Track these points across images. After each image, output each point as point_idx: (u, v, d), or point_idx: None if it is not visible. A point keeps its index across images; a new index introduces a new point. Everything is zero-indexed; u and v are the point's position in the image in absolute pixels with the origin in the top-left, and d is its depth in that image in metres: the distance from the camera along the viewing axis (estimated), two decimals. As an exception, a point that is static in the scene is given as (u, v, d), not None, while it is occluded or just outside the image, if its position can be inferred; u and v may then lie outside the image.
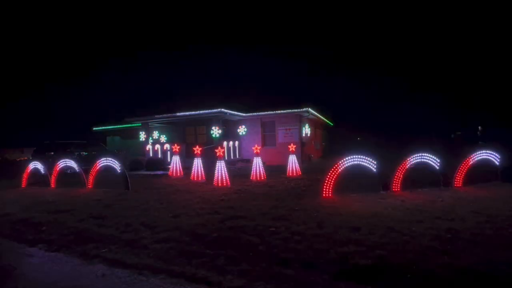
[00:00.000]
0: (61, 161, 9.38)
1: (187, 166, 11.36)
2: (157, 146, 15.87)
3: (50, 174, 9.46)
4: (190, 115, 14.99)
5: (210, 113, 14.22)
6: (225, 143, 15.00)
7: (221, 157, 8.46)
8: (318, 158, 18.23)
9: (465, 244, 3.36)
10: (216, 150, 8.66)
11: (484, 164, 7.19)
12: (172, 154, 11.32)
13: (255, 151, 9.50)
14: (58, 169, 9.35)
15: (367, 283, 2.62)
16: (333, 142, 28.00)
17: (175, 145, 11.36)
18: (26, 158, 17.94)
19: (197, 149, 9.73)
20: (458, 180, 6.76)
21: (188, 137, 17.30)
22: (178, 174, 10.92)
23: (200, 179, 9.42)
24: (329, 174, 6.32)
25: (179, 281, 2.80)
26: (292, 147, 10.29)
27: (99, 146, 16.59)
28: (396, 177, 6.53)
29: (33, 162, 9.98)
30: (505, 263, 2.88)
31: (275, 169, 11.00)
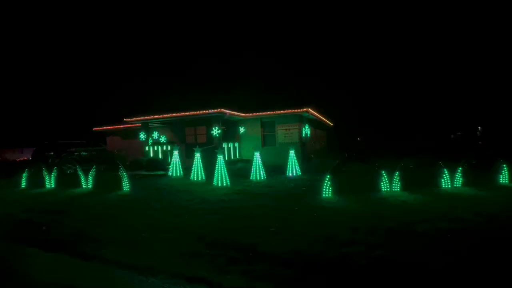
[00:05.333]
0: (61, 161, 9.37)
1: (187, 166, 11.36)
2: (157, 146, 15.87)
3: (50, 174, 9.45)
4: (190, 115, 14.99)
5: (210, 113, 14.22)
6: (225, 143, 15.00)
7: (221, 158, 8.46)
8: (318, 158, 18.23)
9: (466, 244, 3.36)
10: (216, 150, 8.66)
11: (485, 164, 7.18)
12: (172, 154, 11.32)
13: (255, 152, 9.50)
14: (58, 169, 9.35)
15: (367, 283, 2.62)
16: (334, 142, 28.01)
17: (175, 145, 11.36)
18: (26, 158, 17.93)
19: (197, 149, 9.73)
20: (458, 180, 6.76)
21: (188, 137, 17.28)
22: (178, 175, 10.92)
23: (200, 179, 9.42)
24: (329, 174, 6.32)
25: (179, 281, 2.80)
26: (292, 147, 10.29)
27: (99, 146, 16.58)
28: (396, 177, 6.53)
29: (33, 163, 9.97)
30: (507, 262, 2.88)
31: (275, 169, 10.99)
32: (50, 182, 9.40)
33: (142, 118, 16.19)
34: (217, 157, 8.49)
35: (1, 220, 5.59)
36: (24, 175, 9.84)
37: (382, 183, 6.51)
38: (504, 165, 6.96)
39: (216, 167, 8.44)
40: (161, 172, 12.35)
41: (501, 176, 6.96)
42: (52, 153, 13.62)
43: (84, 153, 14.13)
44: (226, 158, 14.26)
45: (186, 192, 7.45)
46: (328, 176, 6.30)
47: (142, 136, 16.65)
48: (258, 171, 9.31)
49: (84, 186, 8.81)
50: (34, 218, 5.44)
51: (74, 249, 3.80)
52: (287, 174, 10.03)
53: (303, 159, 14.35)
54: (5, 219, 5.62)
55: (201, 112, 14.49)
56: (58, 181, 9.47)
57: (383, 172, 6.53)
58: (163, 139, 17.45)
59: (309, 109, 15.00)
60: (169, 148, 15.21)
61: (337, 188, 6.36)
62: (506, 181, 6.87)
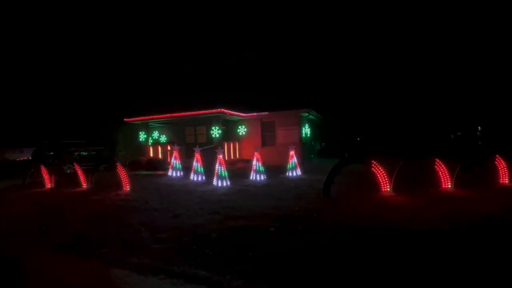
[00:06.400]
0: (61, 161, 9.38)
1: (187, 166, 11.36)
2: (157, 146, 15.87)
3: (50, 174, 9.45)
4: (190, 115, 15.01)
5: (210, 113, 14.24)
6: (225, 143, 15.01)
7: (221, 157, 8.46)
8: (318, 158, 18.23)
9: (465, 246, 3.36)
10: (216, 150, 8.66)
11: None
12: (172, 154, 11.32)
13: (255, 151, 9.50)
14: (58, 169, 9.35)
15: (366, 283, 2.62)
16: (334, 142, 28.01)
17: (175, 145, 11.36)
18: (26, 158, 17.92)
19: (197, 149, 9.73)
20: (458, 181, 6.75)
21: (188, 137, 17.28)
22: (178, 174, 10.92)
23: (200, 179, 9.41)
24: (329, 174, 6.31)
25: (179, 281, 2.80)
26: (292, 147, 10.29)
27: (99, 146, 16.57)
28: (396, 177, 6.51)
29: (33, 163, 9.98)
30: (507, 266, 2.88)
31: (275, 169, 10.99)
32: (50, 182, 9.40)
33: (142, 118, 16.20)
34: (217, 157, 8.49)
35: (0, 220, 5.59)
36: (24, 174, 9.83)
37: (382, 183, 6.51)
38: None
39: (216, 167, 8.44)
40: (161, 172, 12.35)
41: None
42: (52, 153, 13.60)
43: (84, 153, 14.10)
44: (226, 158, 14.27)
45: (185, 192, 7.45)
46: (328, 176, 6.30)
47: (142, 136, 16.66)
48: (258, 171, 9.31)
49: (84, 186, 8.80)
50: (34, 218, 5.44)
51: (74, 248, 3.80)
52: (287, 174, 10.03)
53: (303, 159, 14.35)
54: (5, 218, 5.62)
55: (201, 112, 14.52)
56: (58, 181, 9.48)
57: (383, 171, 6.52)
58: (163, 139, 17.45)
59: (309, 109, 15.02)
60: (169, 148, 15.22)
61: (337, 187, 6.36)
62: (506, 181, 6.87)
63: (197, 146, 10.08)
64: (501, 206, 4.93)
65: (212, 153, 9.57)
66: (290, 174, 10.03)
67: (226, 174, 8.42)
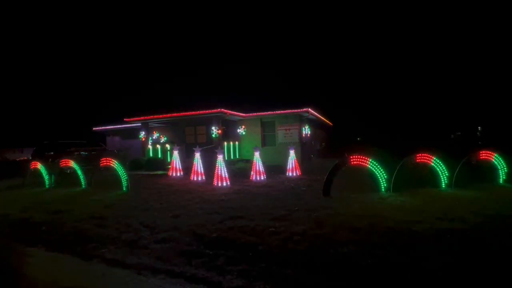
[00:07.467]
0: (61, 161, 9.37)
1: (187, 166, 11.36)
2: (157, 146, 15.88)
3: (50, 174, 9.44)
4: (190, 115, 15.02)
5: (210, 113, 14.24)
6: (225, 143, 15.01)
7: (221, 157, 8.46)
8: (318, 158, 18.23)
9: (465, 245, 3.36)
10: (216, 150, 8.66)
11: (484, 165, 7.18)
12: (172, 154, 11.33)
13: (255, 151, 9.51)
14: (58, 169, 9.34)
15: (366, 283, 2.62)
16: (333, 142, 28.02)
17: (175, 145, 11.37)
18: (26, 158, 17.91)
19: (197, 149, 9.73)
20: (458, 180, 6.74)
21: (188, 137, 17.28)
22: (178, 174, 10.92)
23: (200, 179, 9.42)
24: (329, 174, 6.32)
25: (179, 281, 2.80)
26: (292, 147, 10.29)
27: (99, 146, 16.58)
28: (396, 177, 6.51)
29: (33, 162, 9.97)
30: (504, 264, 2.88)
31: (275, 169, 10.99)
32: (50, 181, 9.40)
33: (142, 118, 16.20)
34: (217, 157, 8.49)
35: (0, 219, 5.59)
36: (24, 175, 9.83)
37: (381, 183, 6.51)
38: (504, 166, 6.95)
39: (216, 167, 8.44)
40: (161, 172, 12.34)
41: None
42: (52, 153, 13.59)
43: (84, 153, 14.09)
44: (226, 158, 14.28)
45: (185, 192, 7.45)
46: (328, 176, 6.30)
47: (142, 136, 16.66)
48: (258, 171, 9.30)
49: (83, 186, 8.80)
50: (34, 218, 5.45)
51: (74, 249, 3.80)
52: (287, 174, 10.03)
53: (303, 159, 14.35)
54: (5, 218, 5.62)
55: (201, 112, 14.52)
56: (58, 180, 9.47)
57: (382, 172, 6.53)
58: (163, 139, 17.46)
59: (309, 109, 15.02)
60: (169, 148, 15.23)
61: (337, 188, 6.36)
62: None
63: (197, 146, 10.08)
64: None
65: (212, 153, 9.58)
66: (290, 174, 10.03)
67: (226, 174, 8.42)
